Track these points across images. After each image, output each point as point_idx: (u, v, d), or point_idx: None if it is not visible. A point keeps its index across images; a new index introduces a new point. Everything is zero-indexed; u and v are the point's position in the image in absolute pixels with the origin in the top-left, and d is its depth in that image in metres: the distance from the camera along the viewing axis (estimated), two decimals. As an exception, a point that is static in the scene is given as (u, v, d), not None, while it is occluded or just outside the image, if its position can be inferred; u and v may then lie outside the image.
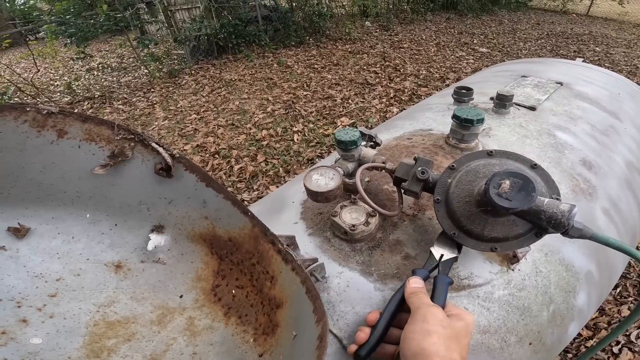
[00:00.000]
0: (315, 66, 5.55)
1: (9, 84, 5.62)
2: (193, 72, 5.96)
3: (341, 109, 4.01)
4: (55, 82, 7.03)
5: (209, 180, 0.58)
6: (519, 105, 1.15)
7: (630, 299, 1.85)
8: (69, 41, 5.75)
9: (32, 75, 6.68)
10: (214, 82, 5.33)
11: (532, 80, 1.34)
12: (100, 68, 7.30)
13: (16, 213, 0.54)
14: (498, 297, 0.61)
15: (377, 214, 0.65)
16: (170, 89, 5.30)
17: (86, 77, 6.83)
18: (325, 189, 0.63)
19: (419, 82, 4.70)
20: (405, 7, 8.85)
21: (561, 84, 1.30)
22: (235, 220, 0.58)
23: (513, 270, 0.64)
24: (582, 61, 1.70)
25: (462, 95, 1.15)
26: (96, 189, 0.59)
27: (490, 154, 0.60)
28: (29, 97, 5.74)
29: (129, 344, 0.53)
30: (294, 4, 7.63)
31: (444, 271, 0.56)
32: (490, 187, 0.48)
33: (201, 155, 3.39)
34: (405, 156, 0.88)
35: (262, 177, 2.95)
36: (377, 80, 4.82)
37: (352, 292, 0.59)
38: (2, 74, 5.19)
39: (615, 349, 1.60)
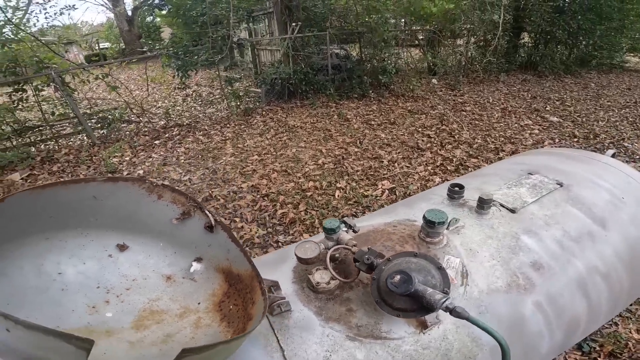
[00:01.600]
0: (372, 123, 5.92)
1: (123, 102, 6.98)
2: (264, 112, 6.76)
3: (385, 172, 4.23)
4: (157, 104, 8.48)
5: (233, 238, 0.94)
6: (503, 206, 1.34)
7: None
8: (177, 73, 7.00)
9: (144, 97, 8.16)
10: (279, 125, 6.00)
11: (534, 179, 1.49)
12: (193, 96, 8.65)
13: (125, 237, 0.94)
14: (404, 350, 0.85)
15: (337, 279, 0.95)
16: (242, 127, 6.09)
17: (180, 104, 8.10)
18: (307, 256, 0.95)
19: (471, 152, 4.67)
20: (478, 67, 8.68)
21: (561, 184, 1.43)
22: (244, 265, 0.92)
23: (424, 333, 0.88)
24: (612, 155, 1.73)
25: (454, 192, 1.38)
26: (170, 230, 0.98)
27: (415, 255, 0.88)
28: (135, 115, 7.05)
29: (158, 325, 0.85)
30: (363, 55, 8.17)
31: None
32: (388, 277, 0.79)
33: (253, 195, 3.84)
34: (383, 241, 1.16)
35: (299, 224, 3.28)
36: (429, 145, 4.92)
37: (304, 323, 0.88)
38: (118, 92, 6.41)
39: None
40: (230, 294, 0.92)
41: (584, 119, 5.79)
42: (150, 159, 5.04)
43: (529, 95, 7.26)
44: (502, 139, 5.15)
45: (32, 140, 5.79)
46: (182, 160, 4.93)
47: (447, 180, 4.17)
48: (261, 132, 5.78)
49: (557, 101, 6.82)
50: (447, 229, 1.17)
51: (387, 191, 3.81)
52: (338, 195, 3.75)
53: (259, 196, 3.82)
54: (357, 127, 5.73)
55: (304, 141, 5.26)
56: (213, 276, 0.96)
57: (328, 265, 0.92)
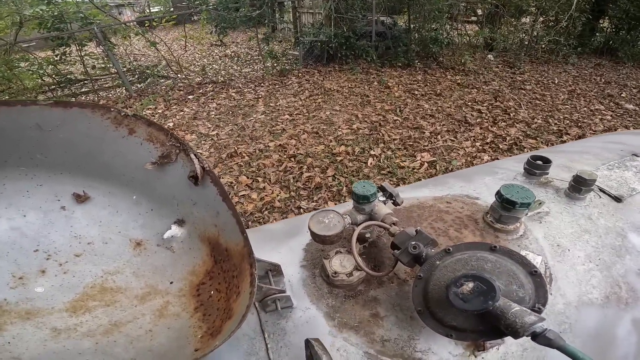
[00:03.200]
0: (415, 92, 5.43)
1: (162, 59, 6.92)
2: (300, 74, 6.43)
3: (426, 143, 3.85)
4: (196, 62, 8.37)
5: (225, 197, 0.67)
6: (604, 191, 0.98)
7: None
8: (214, 30, 6.78)
9: (182, 54, 8.09)
10: (314, 87, 5.68)
11: None
12: (232, 56, 8.45)
13: (85, 183, 0.71)
14: None
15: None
16: (277, 86, 5.84)
17: (219, 62, 7.95)
18: (325, 233, 0.67)
19: (528, 132, 4.17)
20: (543, 46, 7.79)
21: None
22: (234, 236, 0.66)
23: (476, 357, 0.59)
24: None
25: (535, 167, 1.03)
26: (146, 179, 0.73)
27: (493, 249, 0.57)
28: (174, 72, 6.98)
29: (105, 309, 0.61)
30: (412, 26, 7.57)
31: None
32: (452, 284, 0.49)
33: (280, 155, 3.64)
34: (432, 220, 0.85)
35: (325, 190, 3.03)
36: (479, 120, 4.44)
37: (307, 329, 0.62)
38: (160, 50, 6.38)
39: None
40: (213, 274, 0.67)
41: (664, 110, 4.94)
42: (182, 113, 4.97)
43: (602, 80, 6.35)
44: (568, 121, 4.53)
45: (73, 92, 5.91)
46: (213, 116, 4.82)
47: (497, 159, 3.71)
48: (295, 92, 5.51)
49: (635, 89, 5.90)
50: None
51: (426, 164, 3.45)
52: (371, 163, 3.45)
53: (285, 156, 3.62)
54: (398, 95, 5.26)
55: (339, 104, 4.92)
56: (196, 247, 0.72)
57: (353, 249, 0.64)
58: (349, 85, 5.72)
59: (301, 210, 2.81)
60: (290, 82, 6.04)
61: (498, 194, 0.78)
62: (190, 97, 5.60)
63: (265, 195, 2.98)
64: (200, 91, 5.85)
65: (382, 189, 0.77)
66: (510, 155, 3.69)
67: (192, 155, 0.69)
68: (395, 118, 4.45)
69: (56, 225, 0.66)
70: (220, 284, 0.65)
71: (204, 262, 0.70)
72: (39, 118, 0.62)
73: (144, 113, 4.85)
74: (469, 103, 5.02)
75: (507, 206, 0.76)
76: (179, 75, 6.85)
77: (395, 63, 6.85)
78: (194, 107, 5.14)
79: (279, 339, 0.61)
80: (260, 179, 3.24)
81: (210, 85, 6.12)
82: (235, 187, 3.15)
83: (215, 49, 8.96)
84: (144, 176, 0.72)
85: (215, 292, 0.64)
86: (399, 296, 0.66)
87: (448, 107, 4.83)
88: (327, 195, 2.96)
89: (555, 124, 4.43)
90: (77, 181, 0.69)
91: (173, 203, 0.74)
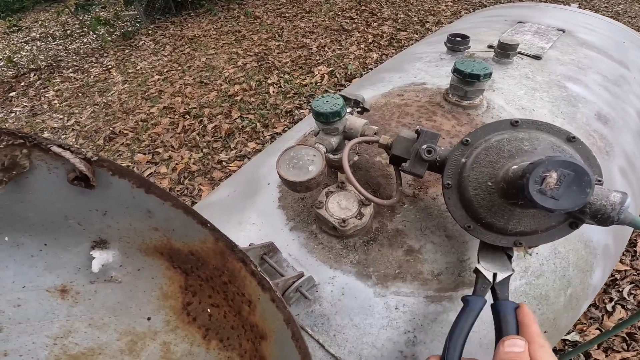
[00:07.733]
0: (286, 15, 5.16)
1: None
2: (150, 32, 5.41)
3: (317, 58, 3.83)
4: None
5: (149, 186, 0.43)
6: (522, 54, 1.01)
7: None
8: None
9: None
10: (175, 40, 4.89)
11: (530, 27, 1.20)
12: (41, 38, 6.56)
13: None
14: (514, 289, 0.53)
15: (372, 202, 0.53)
16: (126, 51, 4.83)
17: (27, 48, 6.14)
18: (305, 177, 0.50)
19: (398, 27, 4.49)
20: None
21: (563, 31, 1.16)
22: (193, 232, 0.45)
23: (530, 254, 0.55)
24: (577, 6, 1.54)
25: (458, 43, 1.01)
26: (2, 209, 0.44)
27: (514, 124, 0.47)
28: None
29: None
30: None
31: (503, 295, 0.44)
32: (530, 181, 0.35)
33: (170, 117, 3.21)
34: (398, 117, 0.75)
35: (239, 134, 2.84)
36: (354, 25, 4.56)
37: (349, 301, 0.49)
38: None
39: (609, 307, 1.57)
40: (194, 287, 0.48)
41: (488, -8, 5.80)
42: (13, 114, 3.90)
43: (430, -26, 6.97)
44: (422, 12, 5.00)
45: None
46: (58, 104, 3.90)
47: (384, 54, 3.86)
48: (154, 51, 4.66)
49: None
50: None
51: (326, 76, 3.48)
52: (273, 91, 3.32)
53: (177, 117, 3.20)
54: (270, 22, 4.91)
55: (213, 48, 4.40)
56: (147, 264, 0.49)
57: (352, 179, 0.49)
58: (215, 27, 5.07)
59: (223, 163, 2.57)
60: (141, 42, 5.05)
61: (457, 71, 0.70)
62: (12, 94, 4.33)
63: (176, 164, 2.64)
64: (23, 84, 4.56)
65: (343, 98, 0.61)
66: (393, 48, 3.91)
67: (56, 149, 0.41)
68: (278, 43, 4.22)
69: None
70: (212, 296, 0.46)
71: (170, 279, 0.48)
72: None
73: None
74: (339, 12, 5.06)
75: (470, 81, 0.69)
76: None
77: (254, -8, 6.24)
78: (25, 103, 4.06)
79: (327, 329, 0.46)
80: (160, 150, 2.83)
81: (34, 74, 4.78)
82: (135, 169, 2.68)
83: (13, 36, 6.87)
84: (-6, 207, 0.43)
85: (212, 308, 0.46)
86: (419, 217, 0.55)
87: (323, 21, 4.78)
88: (244, 137, 2.77)
89: (415, 15, 4.85)
90: None
91: (70, 224, 0.47)
